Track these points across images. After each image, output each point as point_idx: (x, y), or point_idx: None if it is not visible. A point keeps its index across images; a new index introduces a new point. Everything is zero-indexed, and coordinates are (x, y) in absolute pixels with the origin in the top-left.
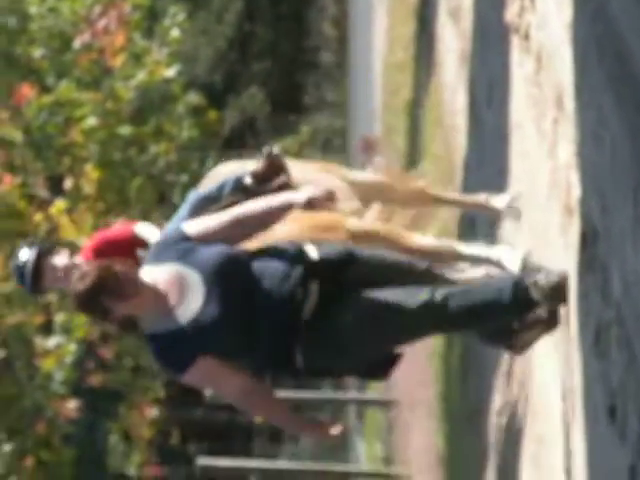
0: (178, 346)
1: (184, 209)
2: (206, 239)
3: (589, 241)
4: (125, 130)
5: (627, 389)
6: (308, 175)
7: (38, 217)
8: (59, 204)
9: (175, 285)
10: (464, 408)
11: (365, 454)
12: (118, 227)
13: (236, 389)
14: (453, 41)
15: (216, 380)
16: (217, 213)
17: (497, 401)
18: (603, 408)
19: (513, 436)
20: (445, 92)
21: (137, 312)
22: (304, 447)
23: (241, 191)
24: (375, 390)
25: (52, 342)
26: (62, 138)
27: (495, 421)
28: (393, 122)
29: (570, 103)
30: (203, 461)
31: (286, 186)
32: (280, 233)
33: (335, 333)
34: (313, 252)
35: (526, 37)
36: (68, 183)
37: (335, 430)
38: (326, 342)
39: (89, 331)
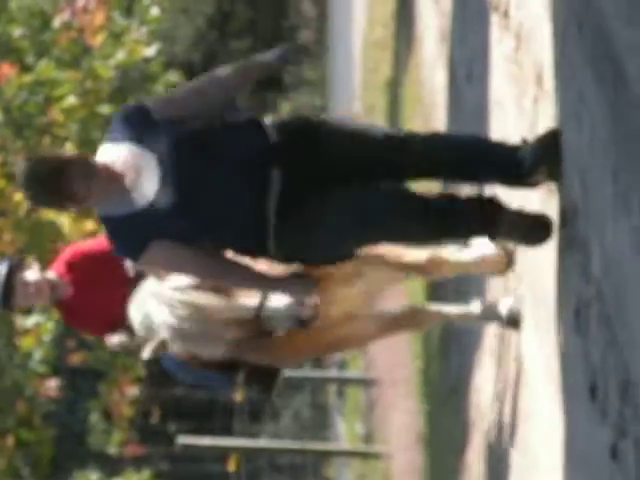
0: (133, 230)
1: None
2: (167, 112)
3: (569, 219)
4: (105, 109)
5: (607, 367)
6: None
7: (18, 196)
8: None
9: (131, 166)
10: (445, 387)
11: (345, 433)
12: (93, 240)
13: (197, 263)
14: (433, 19)
15: (174, 261)
16: None
17: (478, 379)
18: (584, 386)
19: (494, 414)
20: (425, 70)
21: (94, 194)
22: (284, 426)
23: None
24: (355, 369)
25: (31, 321)
26: (42, 117)
27: (475, 400)
28: (373, 100)
29: (550, 81)
30: (183, 440)
31: None
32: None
33: (308, 227)
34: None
35: (505, 15)
36: None
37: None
38: (297, 236)
39: None
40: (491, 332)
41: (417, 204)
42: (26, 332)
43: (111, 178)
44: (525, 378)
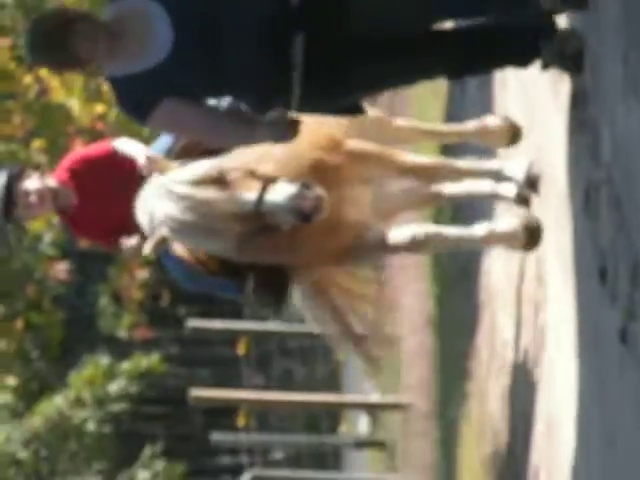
0: (141, 89)
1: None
2: None
3: (579, 102)
4: None
5: (617, 251)
6: None
7: (28, 79)
8: None
9: (137, 22)
10: (454, 269)
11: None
12: (95, 145)
13: (204, 121)
14: None
15: (181, 119)
16: None
17: (487, 262)
18: (594, 270)
19: (504, 297)
20: None
21: (99, 56)
22: (295, 309)
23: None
24: None
25: None
26: None
27: (485, 282)
28: None
29: None
30: (193, 323)
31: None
32: (274, 170)
33: (334, 83)
34: None
35: None
36: None
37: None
38: (321, 90)
39: None
40: (503, 214)
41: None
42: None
43: (117, 37)
44: (536, 264)
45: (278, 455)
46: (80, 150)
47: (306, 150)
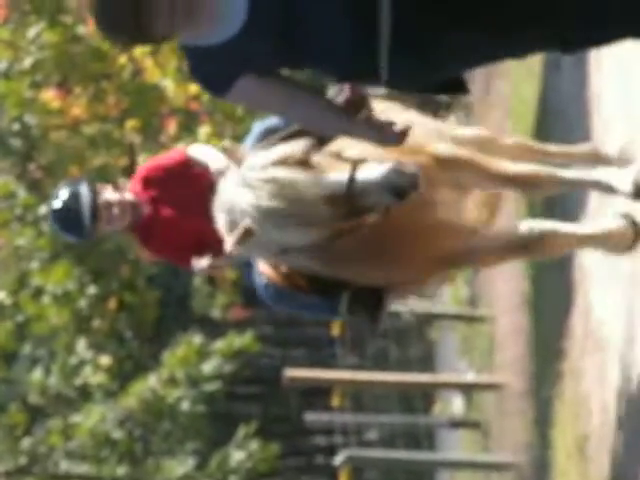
0: (219, 62)
1: (249, 140)
2: None
3: None
4: None
5: None
6: (393, 115)
7: (122, 59)
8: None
9: None
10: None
11: (450, 296)
12: (169, 153)
13: (284, 101)
14: None
15: (262, 97)
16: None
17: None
18: None
19: (598, 275)
20: None
21: (176, 33)
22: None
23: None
24: None
25: None
26: None
27: (578, 260)
28: None
29: None
30: None
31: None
32: (360, 154)
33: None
34: None
35: None
36: None
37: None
38: (410, 62)
39: None
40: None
41: None
42: None
43: (195, 12)
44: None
45: (372, 435)
46: (154, 159)
47: (388, 154)
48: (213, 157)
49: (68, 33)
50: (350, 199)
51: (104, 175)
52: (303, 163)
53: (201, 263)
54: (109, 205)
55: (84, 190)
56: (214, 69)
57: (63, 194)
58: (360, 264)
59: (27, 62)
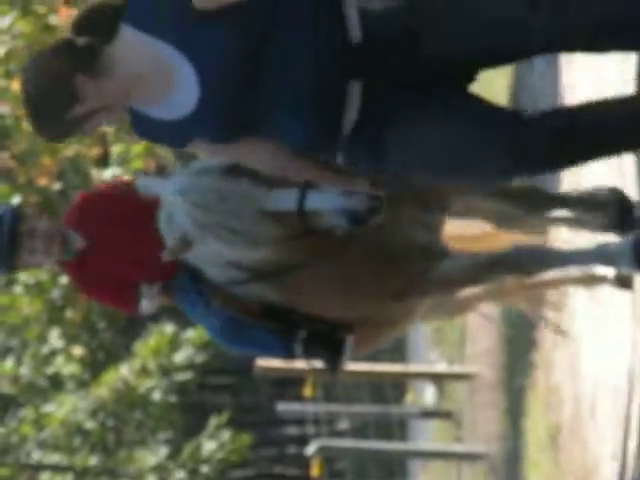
0: (158, 134)
1: None
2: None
3: None
4: None
5: None
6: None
7: None
8: None
9: (163, 73)
10: None
11: None
12: (112, 182)
13: (262, 154)
14: None
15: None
16: None
17: None
18: None
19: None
20: None
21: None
22: None
23: None
24: None
25: (108, 173)
26: None
27: None
28: None
29: None
30: None
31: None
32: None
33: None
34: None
35: None
36: None
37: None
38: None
39: (146, 162)
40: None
41: None
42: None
43: (139, 80)
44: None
45: (344, 425)
46: (96, 187)
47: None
48: (162, 185)
49: (41, 23)
50: (303, 219)
51: (77, 165)
52: (253, 174)
53: (151, 294)
54: (33, 233)
55: (7, 214)
56: (155, 139)
57: None
58: (325, 296)
59: (0, 51)
